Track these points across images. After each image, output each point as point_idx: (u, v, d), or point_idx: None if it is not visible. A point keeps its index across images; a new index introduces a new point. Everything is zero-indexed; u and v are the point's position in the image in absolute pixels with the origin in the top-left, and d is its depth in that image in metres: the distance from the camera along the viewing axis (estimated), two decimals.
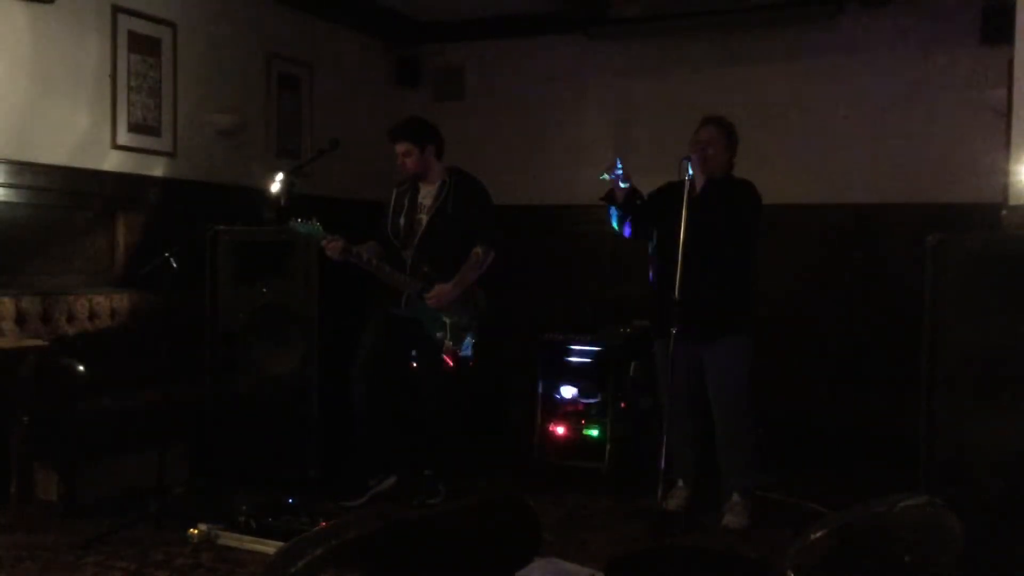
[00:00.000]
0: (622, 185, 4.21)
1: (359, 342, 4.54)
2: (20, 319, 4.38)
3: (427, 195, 4.54)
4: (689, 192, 4.03)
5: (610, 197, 4.31)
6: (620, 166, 4.21)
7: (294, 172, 4.60)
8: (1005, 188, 3.94)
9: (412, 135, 4.46)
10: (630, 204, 4.28)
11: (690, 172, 4.06)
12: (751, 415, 4.29)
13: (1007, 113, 4.04)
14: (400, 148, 4.46)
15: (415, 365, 4.73)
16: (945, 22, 5.49)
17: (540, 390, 5.03)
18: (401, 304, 4.48)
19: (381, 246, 4.55)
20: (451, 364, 4.45)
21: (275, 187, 4.53)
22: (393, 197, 4.64)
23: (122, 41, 4.91)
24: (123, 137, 4.94)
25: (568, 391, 5.04)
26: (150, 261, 4.35)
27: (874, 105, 5.72)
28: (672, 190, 4.28)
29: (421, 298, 4.43)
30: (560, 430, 4.99)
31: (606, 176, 4.21)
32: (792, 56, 5.91)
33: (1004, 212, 3.83)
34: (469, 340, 4.56)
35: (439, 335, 4.44)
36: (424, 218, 4.50)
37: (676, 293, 3.98)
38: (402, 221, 4.54)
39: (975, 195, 4.97)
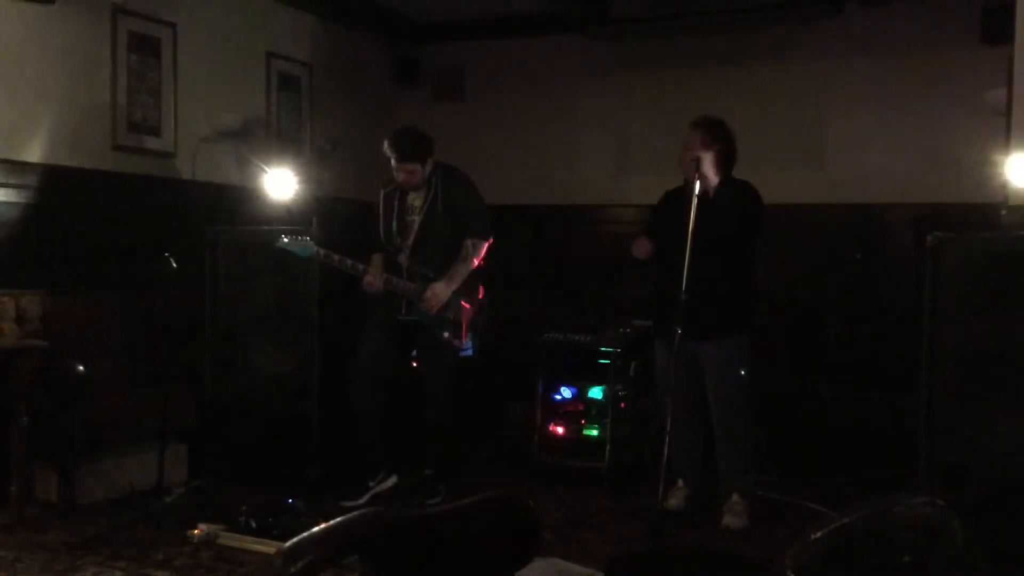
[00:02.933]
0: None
1: (359, 342, 4.54)
2: (20, 319, 4.37)
3: (416, 196, 4.51)
4: (701, 194, 4.03)
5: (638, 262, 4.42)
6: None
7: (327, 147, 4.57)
8: (1005, 188, 3.94)
9: (418, 155, 4.39)
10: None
11: (699, 172, 4.08)
12: (750, 415, 4.29)
13: (1007, 113, 4.04)
14: (407, 168, 4.38)
15: (415, 365, 4.74)
16: (945, 22, 5.48)
17: (540, 390, 5.03)
18: (402, 309, 4.48)
19: (383, 255, 4.54)
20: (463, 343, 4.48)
21: (281, 187, 4.53)
22: (381, 201, 4.59)
23: (122, 41, 4.91)
24: (123, 137, 4.94)
25: (568, 391, 5.04)
26: (150, 261, 4.36)
27: (874, 105, 5.71)
28: (672, 197, 4.30)
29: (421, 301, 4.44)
30: (560, 430, 4.99)
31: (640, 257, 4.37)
32: (792, 56, 5.91)
33: (1004, 212, 3.84)
34: (471, 339, 4.57)
35: (446, 335, 4.45)
36: (416, 220, 4.49)
37: (683, 292, 3.98)
38: (395, 225, 4.51)
39: (975, 195, 4.96)
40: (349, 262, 4.34)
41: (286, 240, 4.25)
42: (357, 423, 4.53)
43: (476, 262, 4.51)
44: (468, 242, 4.48)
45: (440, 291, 4.40)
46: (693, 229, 3.98)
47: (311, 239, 4.26)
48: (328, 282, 4.63)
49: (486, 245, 4.52)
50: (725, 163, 4.27)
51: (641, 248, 4.34)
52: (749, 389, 4.26)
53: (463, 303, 4.50)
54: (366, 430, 4.54)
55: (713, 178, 4.19)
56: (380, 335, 4.52)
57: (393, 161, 4.40)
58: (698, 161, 4.11)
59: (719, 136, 4.24)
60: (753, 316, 4.32)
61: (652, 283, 4.45)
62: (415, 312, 4.45)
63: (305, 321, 4.62)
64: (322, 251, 4.27)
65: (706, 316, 4.08)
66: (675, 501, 4.38)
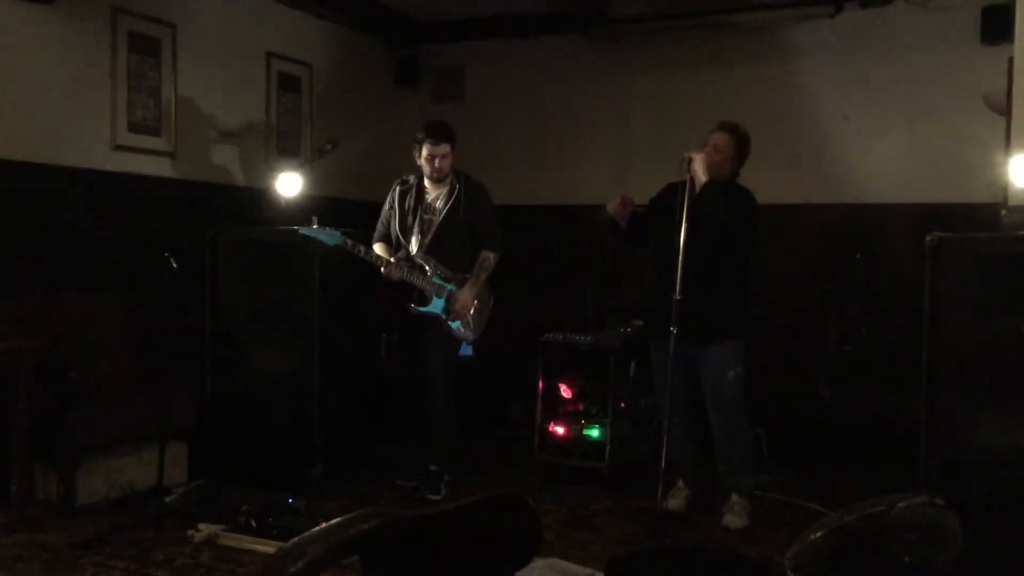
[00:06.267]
0: (625, 218, 4.28)
1: (426, 351, 4.61)
2: (20, 319, 4.37)
3: (437, 197, 4.61)
4: (689, 192, 4.03)
5: (615, 227, 4.36)
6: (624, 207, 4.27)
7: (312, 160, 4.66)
8: (1005, 188, 3.94)
9: (452, 138, 4.56)
10: (632, 221, 4.31)
11: (689, 172, 4.07)
12: (746, 416, 4.29)
13: (1007, 113, 4.03)
14: (443, 149, 4.52)
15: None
16: (945, 22, 5.48)
17: (540, 390, 5.03)
18: (414, 300, 4.53)
19: (390, 248, 4.64)
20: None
21: (281, 187, 4.54)
22: (396, 196, 4.67)
23: (122, 41, 4.90)
24: (123, 137, 4.94)
25: (568, 391, 5.04)
26: (150, 261, 4.36)
27: (874, 105, 5.71)
28: (671, 191, 4.28)
29: (439, 294, 4.50)
30: (560, 430, 4.99)
31: (611, 212, 4.28)
32: (792, 56, 5.90)
33: (1004, 212, 3.83)
34: (471, 339, 4.63)
35: (457, 327, 4.57)
36: (436, 220, 4.58)
37: (677, 293, 3.98)
38: (411, 220, 4.59)
39: (975, 195, 4.96)
40: (374, 254, 4.46)
41: (314, 228, 4.28)
42: (435, 419, 4.64)
43: (489, 272, 4.68)
44: (489, 254, 4.66)
45: (465, 298, 4.55)
46: (686, 230, 3.98)
47: (338, 232, 4.32)
48: (328, 282, 4.63)
49: (497, 260, 4.70)
50: (736, 172, 4.29)
51: (615, 206, 4.28)
52: (744, 391, 4.25)
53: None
54: (442, 426, 4.65)
55: (703, 177, 4.18)
56: (444, 339, 4.63)
57: (427, 146, 4.51)
58: (689, 161, 4.10)
59: (744, 142, 4.30)
60: (749, 319, 4.31)
61: (648, 283, 4.46)
62: (429, 304, 4.52)
63: (305, 321, 4.62)
64: (349, 241, 4.33)
65: (700, 318, 4.08)
66: (675, 501, 4.38)
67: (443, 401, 4.60)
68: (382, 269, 4.42)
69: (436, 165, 4.52)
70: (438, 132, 4.54)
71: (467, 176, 4.68)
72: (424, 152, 4.52)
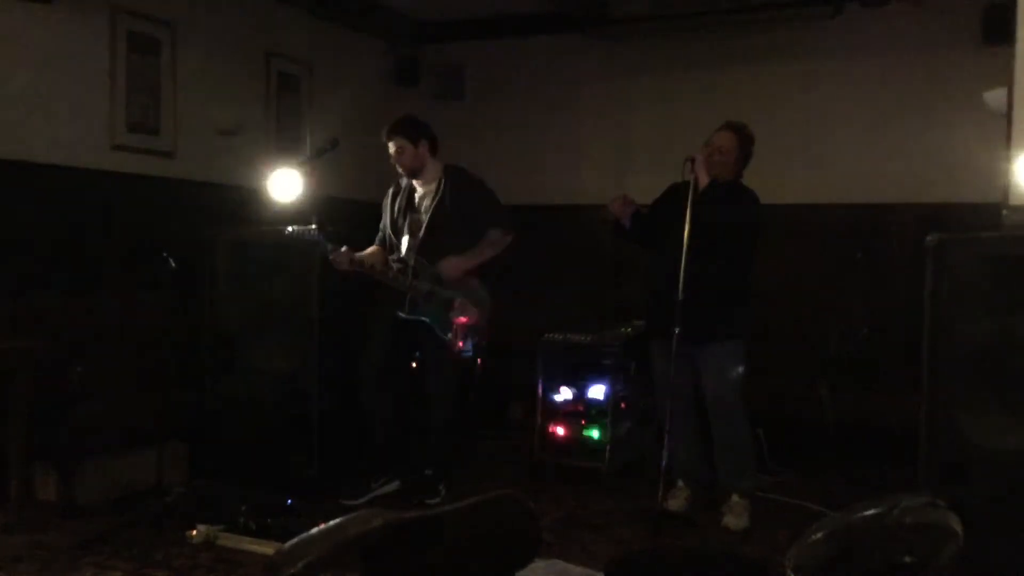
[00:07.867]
0: (627, 218, 4.28)
1: (366, 343, 4.55)
2: (20, 319, 4.37)
3: (425, 194, 4.56)
4: (692, 193, 4.03)
5: (617, 226, 4.33)
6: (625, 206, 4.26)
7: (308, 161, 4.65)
8: (1005, 188, 3.94)
9: (404, 132, 4.47)
10: (635, 220, 4.31)
11: (693, 172, 4.08)
12: (747, 417, 4.29)
13: (1007, 113, 4.03)
14: (394, 146, 4.47)
15: (414, 366, 4.74)
16: (945, 22, 5.48)
17: (540, 390, 5.03)
18: (405, 306, 4.49)
19: (384, 250, 4.58)
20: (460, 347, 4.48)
21: (281, 187, 4.54)
22: (389, 198, 4.67)
23: (122, 41, 4.90)
24: (122, 137, 4.93)
25: (568, 391, 5.03)
26: (149, 261, 4.35)
27: (874, 105, 5.71)
28: (675, 191, 4.29)
29: (428, 300, 4.44)
30: (560, 430, 4.99)
31: (611, 214, 4.28)
32: (792, 56, 5.90)
33: (1004, 212, 3.83)
34: (472, 340, 4.59)
35: (448, 336, 4.46)
36: (424, 218, 4.52)
37: (680, 293, 3.98)
38: (401, 222, 4.56)
39: (975, 195, 4.95)
40: (356, 257, 4.38)
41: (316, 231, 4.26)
42: (365, 422, 4.54)
43: (499, 251, 4.52)
44: (497, 230, 4.52)
45: (453, 262, 4.42)
46: (689, 231, 3.99)
47: (319, 233, 4.30)
48: (328, 282, 4.63)
49: (510, 238, 4.54)
50: (742, 168, 4.29)
51: (617, 205, 4.28)
52: (744, 391, 4.26)
53: (472, 307, 4.50)
54: (374, 429, 4.56)
55: (706, 178, 4.19)
56: (387, 333, 4.54)
57: (387, 143, 4.46)
58: (692, 161, 4.12)
59: (748, 143, 4.29)
60: (749, 320, 4.31)
61: (648, 282, 4.46)
62: (419, 311, 4.46)
63: (305, 321, 4.62)
64: (329, 245, 4.29)
65: (701, 319, 4.08)
66: (675, 502, 4.38)
67: (445, 417, 4.56)
68: (329, 256, 4.33)
69: (392, 157, 4.49)
70: (389, 127, 4.49)
71: (455, 168, 4.58)
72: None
